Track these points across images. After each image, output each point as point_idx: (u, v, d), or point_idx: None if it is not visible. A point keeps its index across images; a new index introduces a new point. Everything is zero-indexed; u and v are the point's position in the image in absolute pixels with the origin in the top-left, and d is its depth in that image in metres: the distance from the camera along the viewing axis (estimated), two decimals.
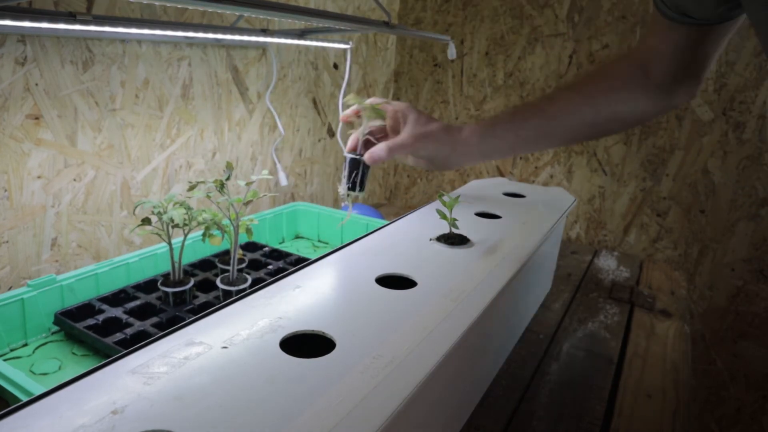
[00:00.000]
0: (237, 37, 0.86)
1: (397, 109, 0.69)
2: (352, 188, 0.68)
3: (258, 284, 0.55)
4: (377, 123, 0.69)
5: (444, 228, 0.63)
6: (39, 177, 0.76)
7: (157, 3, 0.48)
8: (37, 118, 0.74)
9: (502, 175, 1.50)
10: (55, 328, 0.69)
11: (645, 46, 0.64)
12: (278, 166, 1.20)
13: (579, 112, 0.65)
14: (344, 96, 1.31)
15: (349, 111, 0.71)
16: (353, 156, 0.68)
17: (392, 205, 1.69)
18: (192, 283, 0.73)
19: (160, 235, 0.70)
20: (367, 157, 0.66)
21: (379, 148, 0.65)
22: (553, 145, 0.71)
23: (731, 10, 0.52)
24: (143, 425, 0.29)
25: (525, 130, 0.66)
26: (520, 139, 0.67)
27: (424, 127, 0.66)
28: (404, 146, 0.65)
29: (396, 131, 0.69)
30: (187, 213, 0.69)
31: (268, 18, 1.02)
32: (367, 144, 0.69)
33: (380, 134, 0.71)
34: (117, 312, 0.69)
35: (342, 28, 0.87)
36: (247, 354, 0.36)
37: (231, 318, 0.42)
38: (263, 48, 1.09)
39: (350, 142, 0.69)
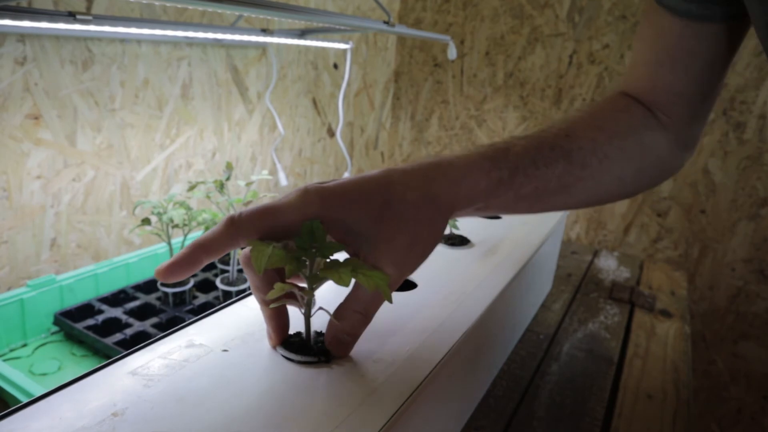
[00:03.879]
0: (237, 37, 0.86)
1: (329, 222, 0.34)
2: None
3: None
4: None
5: None
6: (38, 177, 0.76)
7: (156, 3, 0.47)
8: (36, 118, 0.74)
9: None
10: (55, 328, 0.69)
11: (637, 78, 0.51)
12: (278, 166, 1.20)
13: (608, 156, 0.46)
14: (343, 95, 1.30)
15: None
16: (303, 359, 0.36)
17: None
18: (192, 283, 0.73)
19: (159, 236, 0.70)
20: (337, 349, 0.36)
21: (351, 325, 0.35)
22: (566, 206, 0.47)
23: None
24: (144, 427, 0.29)
25: (546, 182, 0.42)
26: (536, 193, 0.42)
27: (400, 234, 0.34)
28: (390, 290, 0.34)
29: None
30: (186, 213, 0.69)
31: (268, 18, 1.02)
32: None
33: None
34: (117, 312, 0.69)
35: (342, 28, 0.86)
36: (247, 357, 0.36)
37: (231, 320, 0.42)
38: (263, 48, 1.09)
39: (273, 324, 0.37)
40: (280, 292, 0.33)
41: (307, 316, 0.37)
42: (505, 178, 0.39)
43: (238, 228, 0.33)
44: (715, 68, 0.48)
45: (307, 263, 0.34)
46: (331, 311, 0.36)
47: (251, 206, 0.34)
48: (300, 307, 0.36)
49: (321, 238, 0.33)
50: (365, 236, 0.34)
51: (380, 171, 0.36)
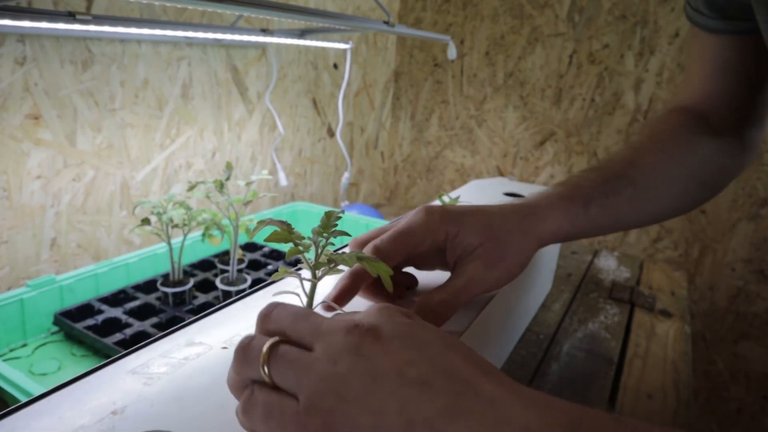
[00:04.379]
0: (237, 37, 0.86)
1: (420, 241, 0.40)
2: None
3: (258, 284, 0.55)
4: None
5: None
6: (38, 177, 0.76)
7: (156, 3, 0.47)
8: (36, 118, 0.74)
9: (502, 175, 1.50)
10: (55, 328, 0.69)
11: (690, 90, 0.56)
12: (278, 166, 1.20)
13: (671, 176, 0.51)
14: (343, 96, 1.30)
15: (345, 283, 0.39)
16: None
17: (392, 205, 1.69)
18: (191, 283, 0.73)
19: (159, 236, 0.70)
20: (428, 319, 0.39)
21: (440, 301, 0.39)
22: (637, 225, 0.53)
23: None
24: (143, 426, 0.29)
25: (617, 208, 0.48)
26: (611, 220, 0.48)
27: (496, 251, 0.40)
28: (477, 289, 0.40)
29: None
30: (186, 213, 0.69)
31: (268, 18, 1.02)
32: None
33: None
34: (116, 312, 0.69)
35: (342, 28, 0.86)
36: None
37: (231, 318, 0.42)
38: (263, 48, 1.09)
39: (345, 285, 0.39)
40: (283, 275, 0.34)
41: (309, 308, 0.36)
42: (581, 212, 0.46)
43: (385, 256, 0.39)
44: (758, 74, 0.53)
45: (313, 250, 0.34)
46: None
47: (386, 235, 0.40)
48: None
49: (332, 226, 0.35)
50: (469, 249, 0.40)
51: (480, 205, 0.43)
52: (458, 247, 0.40)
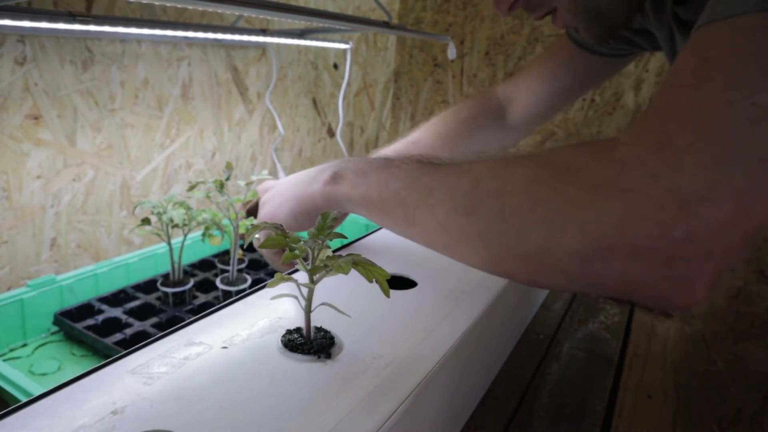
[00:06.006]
0: (237, 37, 0.86)
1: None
2: None
3: (258, 284, 0.55)
4: None
5: None
6: (38, 177, 0.76)
7: (156, 3, 0.47)
8: (36, 118, 0.74)
9: None
10: (55, 328, 0.69)
11: (512, 88, 0.67)
12: (278, 166, 1.20)
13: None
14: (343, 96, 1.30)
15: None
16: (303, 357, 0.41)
17: None
18: (192, 283, 0.73)
19: (159, 236, 0.70)
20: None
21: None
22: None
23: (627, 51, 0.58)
24: (143, 425, 0.29)
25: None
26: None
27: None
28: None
29: None
30: (186, 213, 0.69)
31: (268, 18, 1.02)
32: None
33: None
34: (116, 312, 0.69)
35: (342, 28, 0.86)
36: (247, 354, 0.36)
37: (231, 318, 0.42)
38: (263, 48, 1.09)
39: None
40: (280, 282, 0.34)
41: (308, 312, 0.37)
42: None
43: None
44: (580, 89, 0.65)
45: (309, 255, 0.34)
46: (332, 308, 0.36)
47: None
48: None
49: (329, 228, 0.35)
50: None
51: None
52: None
